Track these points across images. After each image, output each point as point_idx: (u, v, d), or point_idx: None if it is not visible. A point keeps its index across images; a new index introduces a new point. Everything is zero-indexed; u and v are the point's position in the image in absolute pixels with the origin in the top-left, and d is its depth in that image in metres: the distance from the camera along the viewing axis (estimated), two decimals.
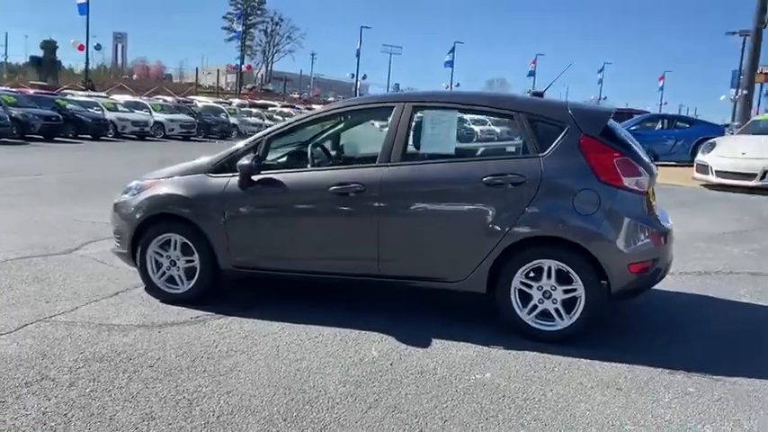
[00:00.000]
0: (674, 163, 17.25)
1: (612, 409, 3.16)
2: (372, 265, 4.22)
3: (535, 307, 3.99)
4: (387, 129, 4.27)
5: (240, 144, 4.64)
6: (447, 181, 4.08)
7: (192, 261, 4.57)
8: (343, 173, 4.29)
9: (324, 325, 4.18)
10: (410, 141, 4.25)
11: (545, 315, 3.99)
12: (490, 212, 3.97)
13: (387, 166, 4.18)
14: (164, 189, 4.64)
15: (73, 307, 4.51)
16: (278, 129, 4.60)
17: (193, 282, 4.59)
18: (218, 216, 4.43)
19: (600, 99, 76.21)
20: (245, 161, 4.31)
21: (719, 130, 17.73)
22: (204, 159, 4.73)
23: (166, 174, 4.76)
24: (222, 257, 4.48)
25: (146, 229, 4.62)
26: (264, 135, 4.55)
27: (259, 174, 4.38)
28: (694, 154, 15.85)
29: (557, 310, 3.96)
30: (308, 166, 4.58)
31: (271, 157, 4.61)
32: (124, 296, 4.79)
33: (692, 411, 3.17)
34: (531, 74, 68.66)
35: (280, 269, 4.47)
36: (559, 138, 3.97)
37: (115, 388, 3.25)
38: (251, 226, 4.44)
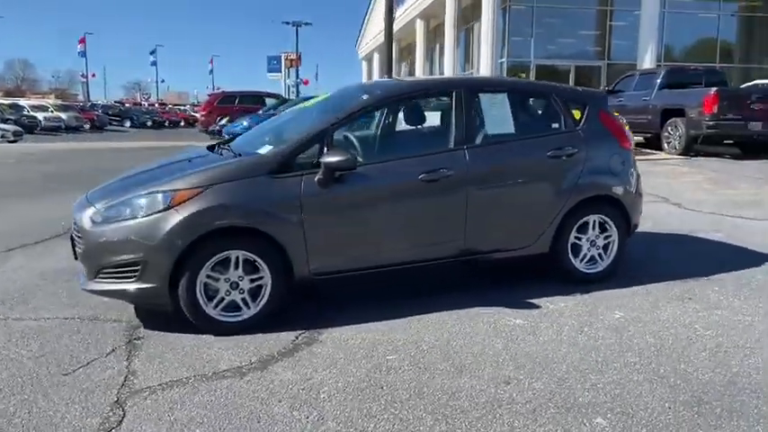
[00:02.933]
0: None
1: (688, 315, 4.21)
2: (459, 245, 4.41)
3: (585, 255, 4.81)
4: (452, 113, 4.44)
5: (297, 137, 4.15)
6: (518, 158, 4.53)
7: (260, 278, 3.97)
8: (428, 159, 4.31)
9: (435, 312, 4.23)
10: (477, 123, 4.51)
11: (592, 260, 4.84)
12: (555, 182, 4.59)
13: (466, 148, 4.39)
14: (218, 199, 3.86)
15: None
16: (340, 118, 4.25)
17: (263, 302, 4.00)
18: (295, 221, 3.95)
19: (158, 82, 76.63)
20: (333, 157, 3.94)
21: None
22: (253, 159, 4.08)
23: (204, 180, 3.94)
24: (299, 267, 4.02)
25: (192, 251, 3.80)
26: (328, 125, 4.17)
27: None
28: None
29: (599, 255, 4.85)
30: (376, 154, 4.38)
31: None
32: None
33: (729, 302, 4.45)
34: (83, 54, 62.54)
35: (364, 267, 4.24)
36: (585, 114, 4.81)
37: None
38: (334, 226, 4.09)
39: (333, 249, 4.09)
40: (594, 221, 4.76)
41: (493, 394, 3.14)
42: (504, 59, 23.77)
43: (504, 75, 22.97)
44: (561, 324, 4.02)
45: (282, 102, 23.60)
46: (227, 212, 3.85)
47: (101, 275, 3.92)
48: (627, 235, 4.93)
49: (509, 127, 4.62)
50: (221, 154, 4.51)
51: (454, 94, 4.45)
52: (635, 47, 22.31)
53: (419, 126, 4.66)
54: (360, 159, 4.07)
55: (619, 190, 4.77)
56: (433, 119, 4.64)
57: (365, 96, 4.42)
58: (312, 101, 5.26)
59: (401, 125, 4.70)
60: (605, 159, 4.75)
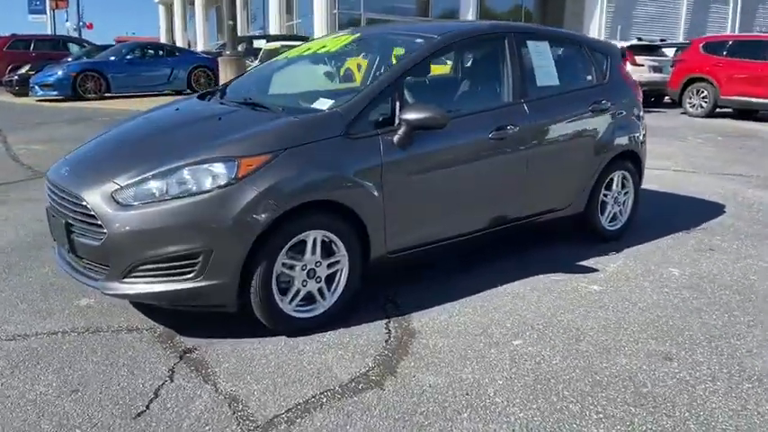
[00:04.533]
0: (171, 91, 17.28)
1: (729, 265, 4.38)
2: (519, 209, 4.08)
3: (609, 213, 4.74)
4: (506, 62, 4.01)
5: (368, 89, 3.44)
6: (567, 112, 4.25)
7: (335, 263, 3.31)
8: (495, 115, 3.85)
9: (502, 284, 3.89)
10: (530, 74, 4.12)
11: (614, 218, 4.79)
12: (595, 138, 4.41)
13: (524, 102, 4.01)
14: (296, 166, 3.09)
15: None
16: (408, 67, 3.58)
17: (339, 291, 3.34)
18: (375, 191, 3.31)
19: None
20: (418, 114, 3.33)
21: (206, 59, 18.47)
22: (323, 116, 3.32)
23: (273, 142, 3.11)
24: (377, 245, 3.41)
25: (268, 235, 3.03)
26: (397, 76, 3.51)
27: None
28: (191, 81, 16.58)
29: (620, 211, 4.81)
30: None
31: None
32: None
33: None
34: None
35: (435, 241, 3.72)
36: (608, 66, 4.66)
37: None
38: (411, 195, 3.50)
39: (409, 222, 3.52)
40: (618, 177, 4.69)
41: (673, 374, 2.90)
42: (336, 11, 23.26)
43: (337, 27, 22.60)
44: (637, 287, 3.91)
45: (96, 48, 20.61)
46: (310, 183, 3.10)
47: (135, 274, 2.96)
48: (639, 190, 4.93)
49: (554, 79, 4.31)
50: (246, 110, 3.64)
51: (507, 40, 4.01)
52: (458, 6, 23.41)
53: (476, 76, 4.14)
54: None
55: (637, 144, 4.72)
56: (483, 69, 4.14)
57: (422, 41, 3.80)
58: (317, 44, 4.44)
59: (455, 75, 4.12)
60: (629, 113, 4.67)
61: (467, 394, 2.70)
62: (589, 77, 4.53)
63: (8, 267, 4.11)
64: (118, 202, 2.95)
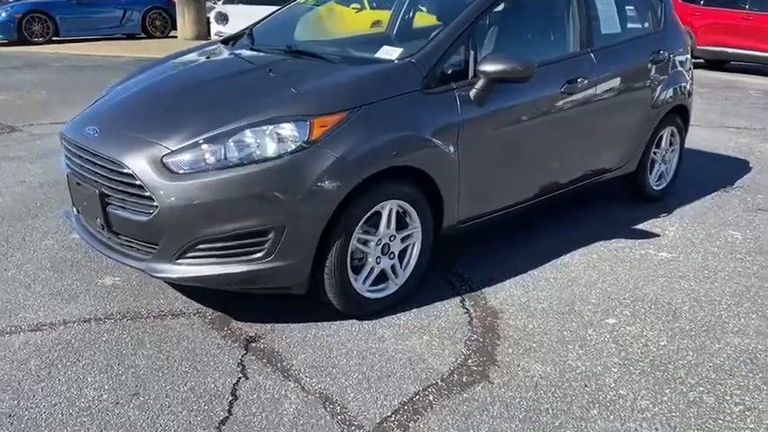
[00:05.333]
0: (124, 35, 16.12)
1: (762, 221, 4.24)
2: (579, 170, 3.78)
3: (657, 172, 4.48)
4: (570, 6, 3.63)
5: (441, 35, 3.00)
6: (630, 62, 3.92)
7: (408, 236, 2.95)
8: (566, 66, 3.49)
9: (567, 253, 3.61)
10: (594, 21, 3.73)
11: (660, 177, 4.54)
12: (654, 90, 4.10)
13: (591, 51, 3.66)
14: (374, 127, 2.67)
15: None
16: (478, 10, 3.14)
17: (411, 266, 2.99)
18: (451, 152, 2.93)
19: None
20: (500, 65, 2.93)
21: (162, 0, 17.19)
22: (396, 67, 2.89)
23: (345, 98, 2.68)
24: (450, 214, 3.06)
25: (344, 207, 2.64)
26: (471, 20, 3.07)
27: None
28: (146, 24, 15.54)
29: (666, 170, 4.57)
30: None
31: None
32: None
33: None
34: None
35: (504, 207, 3.38)
36: (661, 12, 4.32)
37: None
38: (487, 157, 3.13)
39: (481, 187, 3.17)
40: (668, 133, 4.43)
41: None
42: None
43: None
44: (708, 254, 3.68)
45: None
46: (390, 146, 2.69)
47: (191, 255, 2.53)
48: (684, 143, 4.67)
49: (616, 26, 3.95)
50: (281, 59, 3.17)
51: None
52: None
53: (543, 22, 3.72)
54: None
55: (686, 96, 4.45)
56: (550, 13, 3.71)
57: None
58: None
59: (521, 20, 3.68)
60: (682, 63, 4.37)
61: (585, 386, 2.41)
62: (646, 24, 4.19)
63: (5, 240, 3.58)
64: (170, 170, 2.48)
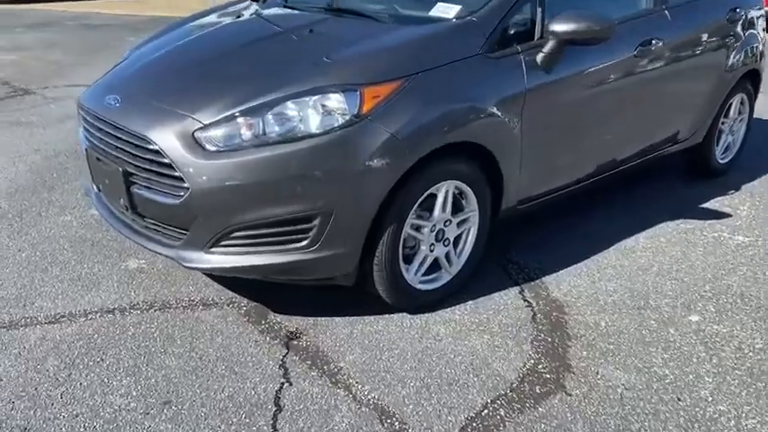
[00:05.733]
0: None
1: None
2: (647, 142, 3.41)
3: (723, 143, 4.09)
4: None
5: None
6: (706, 21, 3.50)
7: (465, 221, 2.63)
8: (637, 26, 3.09)
9: (632, 235, 3.27)
10: None
11: (727, 149, 4.15)
12: (729, 52, 3.68)
13: (666, 9, 3.26)
14: (431, 97, 2.33)
15: None
16: None
17: (467, 253, 2.68)
18: (514, 126, 2.58)
19: None
20: (574, 24, 2.55)
21: None
22: (454, 27, 2.52)
23: (399, 64, 2.32)
24: (510, 194, 2.73)
25: (397, 190, 2.31)
26: None
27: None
28: None
29: (733, 141, 4.18)
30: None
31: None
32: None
33: None
34: None
35: (564, 186, 3.04)
36: None
37: None
38: (552, 130, 2.78)
39: (544, 164, 2.83)
40: (737, 101, 4.02)
41: None
42: None
43: None
44: None
45: None
46: (450, 119, 2.35)
47: (226, 243, 2.23)
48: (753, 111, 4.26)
49: None
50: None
51: None
52: None
53: None
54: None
55: (758, 60, 4.02)
56: None
57: None
58: None
59: None
60: (757, 22, 3.94)
61: (678, 400, 2.11)
62: None
63: (19, 216, 3.30)
64: (203, 147, 2.16)
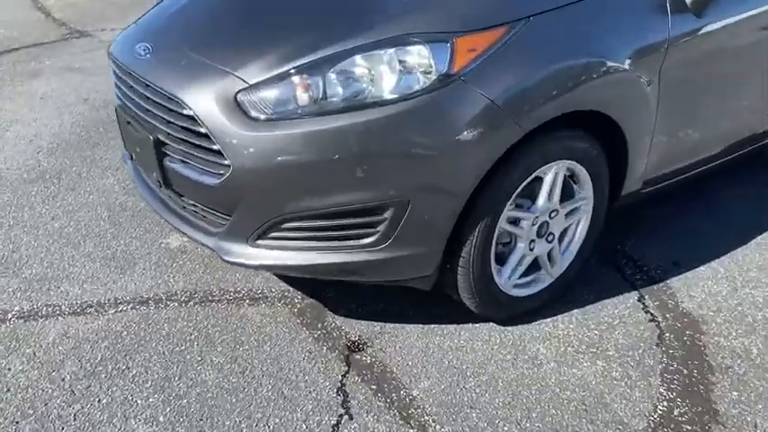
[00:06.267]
0: None
1: None
2: None
3: None
4: None
5: None
6: None
7: (575, 210, 2.06)
8: None
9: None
10: None
11: None
12: None
13: None
14: (540, 53, 1.75)
15: None
16: None
17: (575, 251, 2.13)
18: (648, 87, 1.97)
19: None
20: None
21: None
22: None
23: (494, 8, 1.75)
24: (633, 176, 2.14)
25: (492, 174, 1.76)
26: None
27: None
28: None
29: None
30: None
31: None
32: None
33: None
34: None
35: (699, 163, 2.42)
36: None
37: None
38: (693, 92, 2.16)
39: (681, 137, 2.22)
40: None
41: None
42: None
43: None
44: None
45: None
46: (569, 80, 1.78)
47: (276, 235, 1.76)
48: None
49: None
50: None
51: None
52: None
53: None
54: None
55: None
56: None
57: None
58: None
59: None
60: None
61: None
62: None
63: (57, 177, 2.96)
64: (247, 114, 1.68)
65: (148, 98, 1.89)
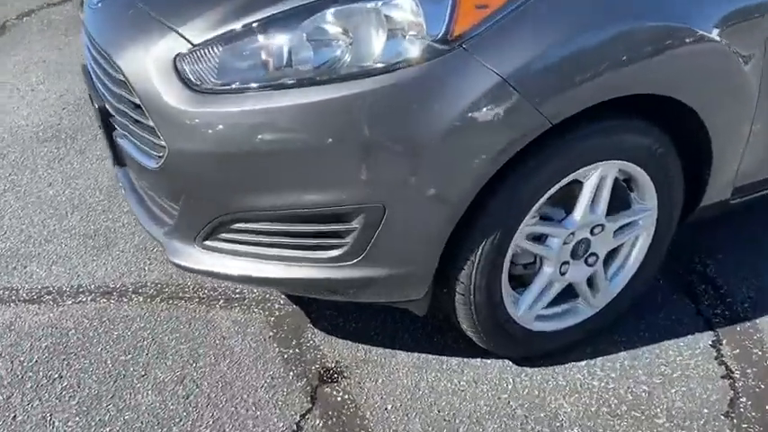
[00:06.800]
0: None
1: None
2: None
3: None
4: None
5: None
6: None
7: (630, 225, 1.53)
8: None
9: None
10: None
11: None
12: None
13: None
14: (573, 16, 1.24)
15: None
16: None
17: (627, 277, 1.61)
18: (744, 66, 1.40)
19: None
20: None
21: None
22: None
23: None
24: (722, 181, 1.59)
25: (504, 177, 1.27)
26: None
27: None
28: None
29: None
30: None
31: None
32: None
33: None
34: None
35: None
36: None
37: None
38: None
39: None
40: None
41: None
42: None
43: None
44: None
45: None
46: (617, 52, 1.26)
47: (225, 237, 1.38)
48: None
49: None
50: None
51: None
52: None
53: None
54: None
55: None
56: None
57: None
58: None
59: None
60: None
61: None
62: None
63: (72, 137, 2.75)
64: (188, 84, 1.30)
65: (94, 58, 1.56)
